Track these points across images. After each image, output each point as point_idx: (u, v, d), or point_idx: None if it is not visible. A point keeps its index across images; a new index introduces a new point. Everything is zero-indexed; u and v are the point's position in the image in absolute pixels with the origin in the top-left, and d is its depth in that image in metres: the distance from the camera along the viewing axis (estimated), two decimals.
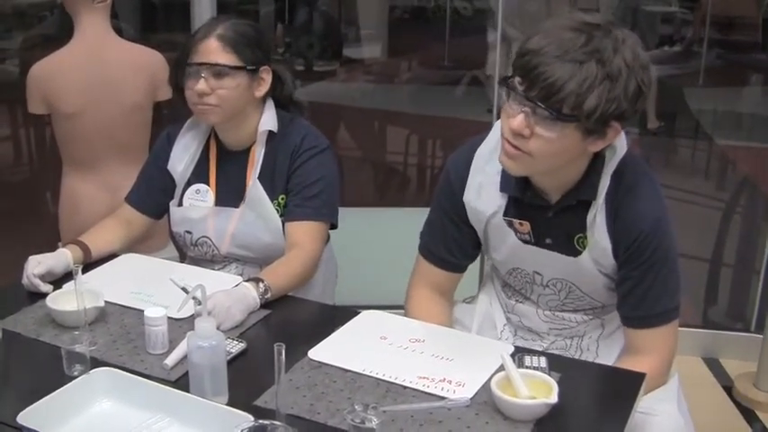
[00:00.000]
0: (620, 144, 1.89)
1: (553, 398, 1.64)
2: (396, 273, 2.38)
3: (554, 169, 1.86)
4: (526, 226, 2.00)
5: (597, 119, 1.70)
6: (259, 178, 2.35)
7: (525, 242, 2.01)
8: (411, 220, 2.36)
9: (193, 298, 1.88)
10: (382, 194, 5.42)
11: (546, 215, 1.96)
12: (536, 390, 1.68)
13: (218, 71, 2.25)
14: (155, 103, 3.04)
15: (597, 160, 1.89)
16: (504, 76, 1.80)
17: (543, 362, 1.82)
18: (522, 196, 1.97)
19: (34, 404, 1.59)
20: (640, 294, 1.93)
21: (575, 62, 1.67)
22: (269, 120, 2.36)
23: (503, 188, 1.99)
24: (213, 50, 2.25)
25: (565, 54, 1.68)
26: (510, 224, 2.01)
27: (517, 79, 1.75)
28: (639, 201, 1.89)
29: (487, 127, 2.06)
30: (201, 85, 2.25)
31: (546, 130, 1.73)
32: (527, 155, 1.77)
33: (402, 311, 2.19)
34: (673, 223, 1.93)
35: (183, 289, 2.10)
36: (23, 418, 1.56)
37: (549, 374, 1.75)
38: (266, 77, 2.33)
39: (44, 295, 2.09)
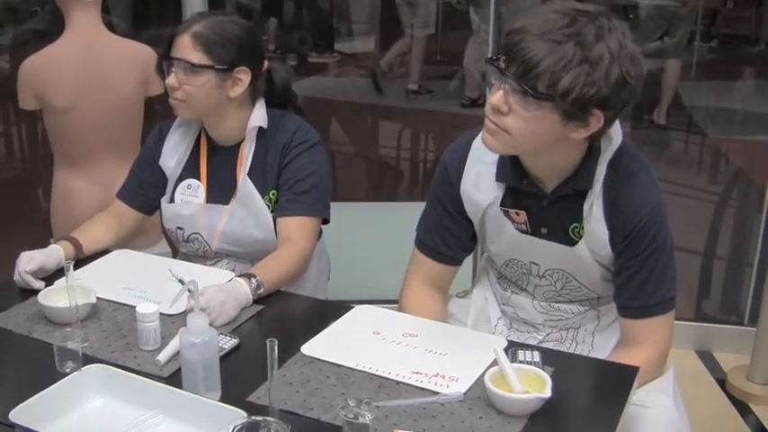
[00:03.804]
0: (615, 134, 1.90)
1: (546, 392, 1.64)
2: (388, 267, 2.38)
3: (537, 152, 1.87)
4: (522, 216, 2.00)
5: (574, 102, 1.70)
6: (250, 174, 2.35)
7: (522, 232, 2.02)
8: (404, 215, 2.37)
9: (189, 290, 1.87)
10: (375, 189, 5.42)
11: (541, 204, 1.97)
12: (529, 384, 1.68)
13: (186, 68, 2.24)
14: (146, 99, 3.03)
15: (593, 150, 1.90)
16: (491, 56, 1.82)
17: (537, 356, 1.82)
18: (517, 185, 1.97)
19: (26, 401, 1.59)
20: (638, 284, 1.93)
21: (553, 42, 1.69)
22: (259, 116, 2.35)
23: (498, 177, 2.00)
24: (185, 47, 2.24)
25: (545, 33, 1.70)
26: (506, 214, 2.02)
27: (502, 57, 1.77)
28: (637, 190, 1.90)
29: (480, 121, 2.06)
30: (170, 79, 2.26)
31: (522, 108, 1.75)
32: (505, 132, 1.79)
33: (395, 306, 2.19)
34: (669, 214, 1.93)
35: (180, 281, 2.10)
36: (15, 415, 1.55)
37: (543, 369, 1.75)
38: (244, 78, 2.29)
39: (36, 292, 2.08)
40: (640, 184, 1.91)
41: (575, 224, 1.96)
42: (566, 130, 1.78)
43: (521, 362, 1.78)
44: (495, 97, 1.77)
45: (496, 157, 1.98)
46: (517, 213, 2.01)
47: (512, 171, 1.97)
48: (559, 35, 1.69)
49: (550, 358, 1.84)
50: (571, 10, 1.73)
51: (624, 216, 1.90)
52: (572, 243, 1.97)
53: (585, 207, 1.92)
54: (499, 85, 1.77)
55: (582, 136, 1.80)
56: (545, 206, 1.97)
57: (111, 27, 3.08)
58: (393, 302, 2.22)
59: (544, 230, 2.00)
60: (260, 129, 2.35)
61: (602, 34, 1.70)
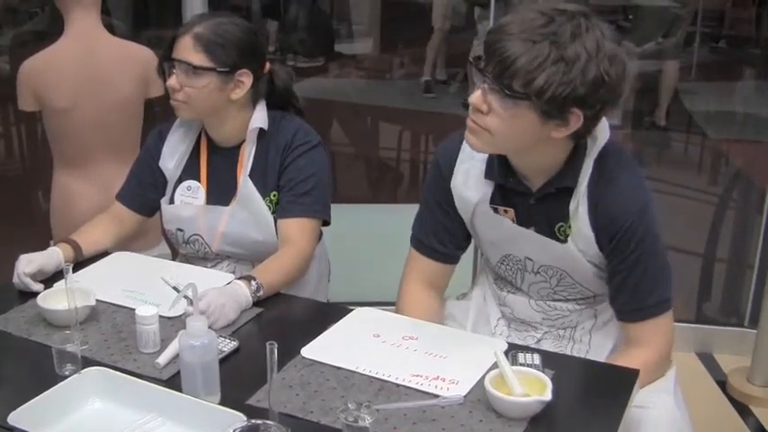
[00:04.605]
0: (601, 132, 1.90)
1: (547, 395, 1.63)
2: (388, 269, 2.38)
3: (519, 150, 1.89)
4: (510, 213, 2.01)
5: (550, 101, 1.71)
6: (250, 176, 2.34)
7: None
8: (403, 217, 2.36)
9: (185, 296, 1.87)
10: (374, 191, 5.41)
11: (528, 202, 1.98)
12: (530, 387, 1.68)
13: (187, 69, 2.23)
14: (146, 101, 3.03)
15: (579, 148, 1.91)
16: (474, 56, 1.84)
17: (537, 359, 1.82)
18: (505, 183, 1.99)
19: (25, 404, 1.58)
20: (632, 287, 1.93)
21: (528, 41, 1.70)
22: (260, 118, 2.35)
23: (487, 175, 2.01)
24: (186, 48, 2.23)
25: (522, 33, 1.71)
26: (495, 211, 2.03)
27: (482, 57, 1.79)
28: (621, 191, 1.90)
29: None
30: (172, 80, 2.25)
31: (501, 107, 1.76)
32: (486, 131, 1.81)
33: (395, 308, 2.19)
34: (659, 213, 1.93)
35: (174, 288, 2.09)
36: (14, 418, 1.55)
37: (543, 371, 1.74)
38: (245, 80, 2.29)
39: (35, 294, 2.07)
40: (624, 186, 1.91)
41: (560, 223, 1.96)
42: (546, 128, 1.79)
43: (521, 365, 1.78)
44: (475, 96, 1.80)
45: (487, 154, 1.99)
46: (505, 211, 2.02)
47: (499, 169, 1.98)
48: (536, 34, 1.71)
49: (551, 361, 1.84)
50: (550, 10, 1.75)
51: (608, 217, 1.90)
52: (560, 241, 1.97)
53: (571, 206, 1.92)
54: (479, 85, 1.79)
55: (563, 135, 1.81)
56: (532, 204, 1.98)
57: (111, 29, 3.07)
58: (393, 304, 2.22)
59: (532, 228, 2.00)
60: (260, 130, 2.35)
61: (578, 33, 1.71)
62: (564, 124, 1.78)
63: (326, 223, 2.44)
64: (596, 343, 2.10)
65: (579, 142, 1.89)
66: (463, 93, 5.81)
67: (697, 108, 5.62)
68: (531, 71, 1.69)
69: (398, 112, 6.15)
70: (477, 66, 1.79)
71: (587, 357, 2.06)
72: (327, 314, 2.10)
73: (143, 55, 2.99)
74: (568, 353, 2.09)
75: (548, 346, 2.09)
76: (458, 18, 6.25)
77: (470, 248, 2.25)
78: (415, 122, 5.98)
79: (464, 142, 2.03)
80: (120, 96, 2.94)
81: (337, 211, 2.44)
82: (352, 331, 2.00)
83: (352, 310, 2.10)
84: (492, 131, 1.80)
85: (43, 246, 2.28)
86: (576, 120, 1.77)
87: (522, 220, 2.01)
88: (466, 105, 1.84)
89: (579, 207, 1.91)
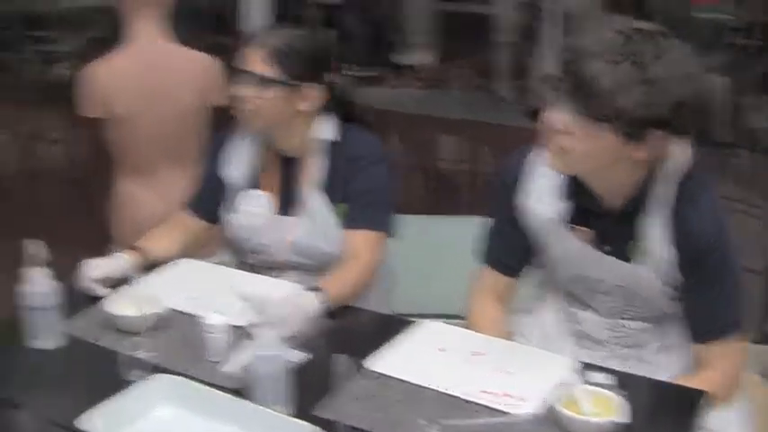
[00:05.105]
0: (683, 155, 1.88)
1: (620, 416, 1.61)
2: (450, 281, 2.37)
3: (597, 170, 1.87)
4: (587, 233, 1.99)
5: (632, 123, 1.69)
6: (317, 187, 2.34)
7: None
8: (467, 229, 2.35)
9: (253, 306, 1.87)
10: (435, 202, 5.40)
11: (603, 221, 1.96)
12: (600, 407, 1.65)
13: (257, 81, 2.24)
14: (211, 109, 3.04)
15: (656, 169, 1.88)
16: (549, 74, 1.82)
17: (609, 378, 1.78)
18: (580, 202, 1.97)
19: (95, 408, 1.60)
20: (706, 308, 1.91)
21: (610, 62, 1.68)
22: (326, 129, 2.35)
23: (561, 193, 1.99)
24: (256, 60, 2.24)
25: (602, 54, 1.69)
26: (570, 230, 2.00)
27: (559, 77, 1.77)
28: (703, 213, 1.87)
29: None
30: (240, 91, 2.26)
31: (580, 128, 1.74)
32: (564, 152, 1.79)
33: (458, 321, 2.18)
34: (733, 233, 1.91)
35: (242, 296, 2.09)
36: (81, 422, 1.56)
37: (615, 391, 1.71)
38: (313, 93, 2.29)
39: (100, 299, 2.09)
40: (705, 209, 1.88)
41: (636, 243, 1.94)
42: (625, 150, 1.77)
43: (592, 383, 1.75)
44: (553, 117, 1.77)
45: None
46: (581, 230, 1.99)
47: (574, 187, 1.97)
48: (616, 55, 1.68)
49: (620, 380, 1.80)
50: (628, 28, 1.73)
51: (690, 239, 1.87)
52: (634, 261, 1.95)
53: (646, 226, 1.90)
54: (556, 105, 1.77)
55: (642, 156, 1.79)
56: (607, 223, 1.96)
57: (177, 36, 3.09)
58: (454, 317, 2.22)
59: (607, 248, 1.98)
60: (327, 141, 2.35)
61: (660, 54, 1.69)
62: (644, 145, 1.76)
63: (391, 235, 2.43)
64: (662, 365, 2.07)
65: (656, 163, 1.87)
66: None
67: (760, 124, 5.53)
68: (614, 93, 1.67)
69: (457, 122, 6.14)
70: (553, 86, 1.77)
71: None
72: (391, 326, 2.09)
73: (205, 63, 3.02)
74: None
75: (613, 365, 2.06)
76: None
77: None
78: (476, 133, 5.96)
79: (534, 157, 2.02)
80: (180, 106, 2.96)
81: (400, 221, 2.42)
82: (417, 344, 1.99)
83: (415, 322, 2.09)
84: (570, 152, 1.78)
85: (103, 251, 2.29)
86: (657, 141, 1.75)
87: (598, 240, 1.99)
88: (529, 114, 1.83)
89: (657, 228, 1.89)
